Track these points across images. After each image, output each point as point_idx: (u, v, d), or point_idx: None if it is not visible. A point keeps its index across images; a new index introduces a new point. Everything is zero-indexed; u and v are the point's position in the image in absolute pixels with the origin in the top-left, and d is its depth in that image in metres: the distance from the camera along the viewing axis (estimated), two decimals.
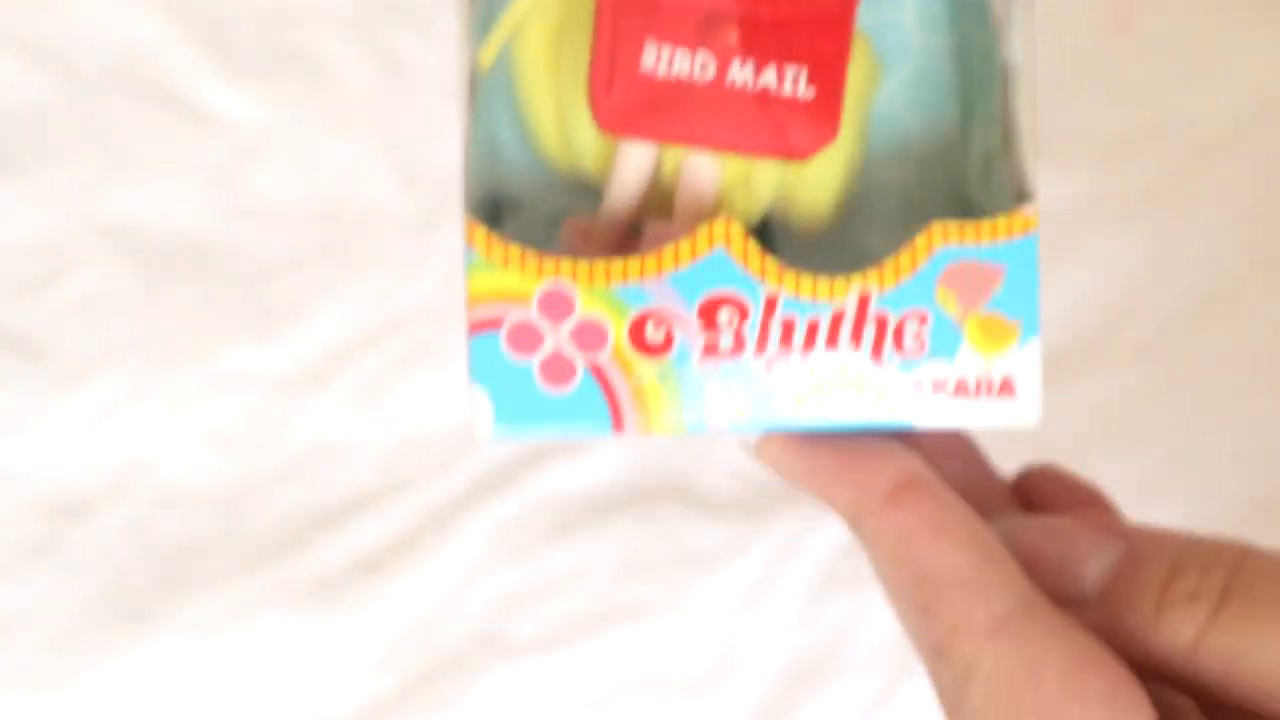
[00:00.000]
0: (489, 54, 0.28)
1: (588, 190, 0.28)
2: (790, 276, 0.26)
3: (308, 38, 0.47)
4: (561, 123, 0.28)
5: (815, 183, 0.28)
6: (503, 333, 0.26)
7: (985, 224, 0.26)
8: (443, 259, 0.46)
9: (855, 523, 0.26)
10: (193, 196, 0.46)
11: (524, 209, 0.29)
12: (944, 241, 0.26)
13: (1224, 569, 0.25)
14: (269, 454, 0.45)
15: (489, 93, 0.28)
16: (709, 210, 0.27)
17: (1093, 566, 0.26)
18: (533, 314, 0.26)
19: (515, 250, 0.26)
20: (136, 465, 0.45)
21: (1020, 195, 0.27)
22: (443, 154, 0.46)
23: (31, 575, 0.44)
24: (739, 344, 0.26)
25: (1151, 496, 0.46)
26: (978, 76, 0.29)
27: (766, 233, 0.29)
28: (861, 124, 0.28)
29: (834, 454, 0.27)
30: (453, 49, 0.28)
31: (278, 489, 0.45)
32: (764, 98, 0.27)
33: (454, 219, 0.46)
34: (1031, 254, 0.26)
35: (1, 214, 0.45)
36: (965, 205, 0.29)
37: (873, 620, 0.45)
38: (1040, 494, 0.32)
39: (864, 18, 0.29)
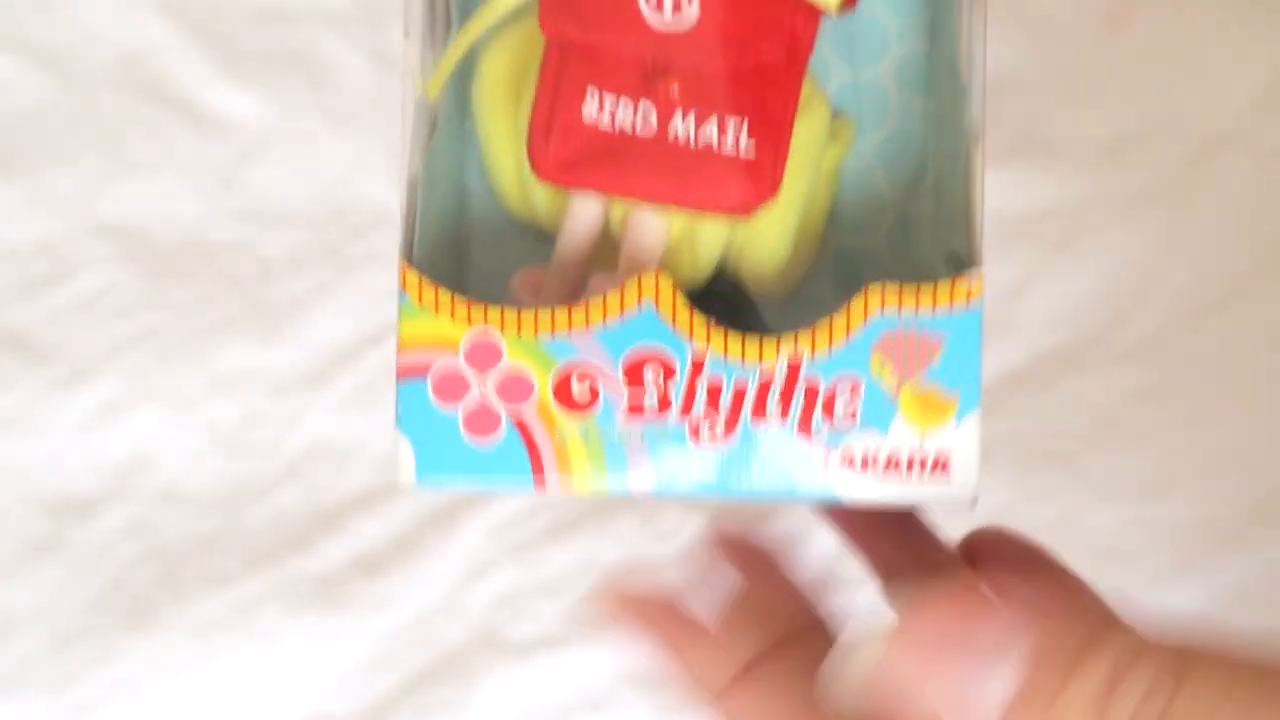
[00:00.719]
0: (436, 85, 0.27)
1: (549, 242, 0.28)
2: (719, 336, 0.25)
3: (308, 38, 0.47)
4: (520, 172, 0.27)
5: (762, 243, 0.27)
6: (429, 380, 0.26)
7: (926, 289, 0.25)
8: None
9: None
10: (193, 197, 0.46)
11: (491, 259, 0.28)
12: (880, 307, 0.25)
13: (1166, 684, 0.21)
14: (269, 454, 0.45)
15: (454, 136, 0.28)
16: (653, 266, 0.26)
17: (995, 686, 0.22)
18: (460, 362, 0.25)
19: (445, 296, 0.25)
20: (137, 465, 0.45)
21: (966, 263, 0.26)
22: None
23: (32, 575, 0.44)
24: (664, 404, 0.25)
25: (1150, 496, 0.46)
26: (946, 141, 0.28)
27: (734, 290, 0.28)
28: (812, 183, 0.27)
29: None
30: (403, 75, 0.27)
31: (278, 489, 0.45)
32: (705, 152, 0.26)
33: None
34: (975, 325, 0.25)
35: (2, 214, 0.46)
36: (924, 272, 0.28)
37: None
38: (986, 555, 0.30)
39: (841, 77, 0.28)
